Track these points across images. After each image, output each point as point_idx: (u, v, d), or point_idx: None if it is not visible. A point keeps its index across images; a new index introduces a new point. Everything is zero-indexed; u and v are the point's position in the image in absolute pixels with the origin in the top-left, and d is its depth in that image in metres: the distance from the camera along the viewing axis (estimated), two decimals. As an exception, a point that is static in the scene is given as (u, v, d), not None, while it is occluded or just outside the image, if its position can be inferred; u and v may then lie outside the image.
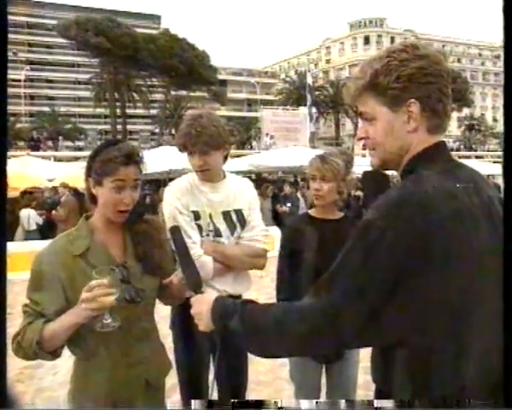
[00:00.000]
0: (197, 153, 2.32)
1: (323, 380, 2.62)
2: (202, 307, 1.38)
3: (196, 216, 2.38)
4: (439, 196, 1.09)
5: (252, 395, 3.78)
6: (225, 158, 2.48)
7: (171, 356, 2.48)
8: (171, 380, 2.46)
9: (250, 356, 2.40)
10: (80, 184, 8.53)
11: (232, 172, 2.62)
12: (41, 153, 24.98)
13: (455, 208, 1.09)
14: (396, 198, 1.12)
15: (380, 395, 1.21)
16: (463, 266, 1.08)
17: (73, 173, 13.15)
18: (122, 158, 1.77)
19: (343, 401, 1.21)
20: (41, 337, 1.64)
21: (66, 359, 1.87)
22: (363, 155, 11.11)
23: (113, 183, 1.76)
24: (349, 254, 1.13)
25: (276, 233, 8.23)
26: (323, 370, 2.59)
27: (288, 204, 12.30)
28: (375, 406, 1.16)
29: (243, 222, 2.47)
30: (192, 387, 2.46)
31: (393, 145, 1.24)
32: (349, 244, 1.14)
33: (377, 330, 1.09)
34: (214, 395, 2.43)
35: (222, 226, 2.42)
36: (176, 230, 1.70)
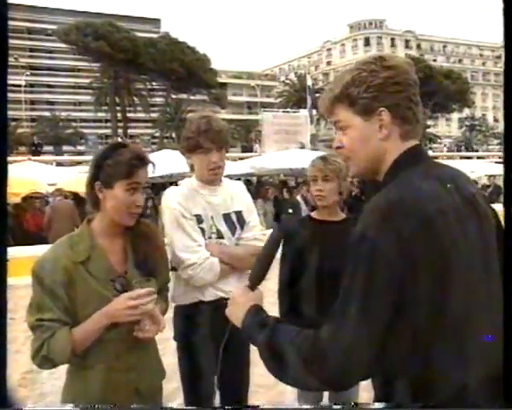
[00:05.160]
0: (214, 149, 2.35)
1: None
2: (240, 306, 1.36)
3: (199, 220, 2.39)
4: (422, 198, 1.10)
5: (254, 398, 3.78)
6: None
7: (174, 360, 2.48)
8: (173, 385, 2.45)
9: (251, 358, 2.39)
10: (81, 189, 8.45)
11: (234, 175, 2.64)
12: (42, 157, 24.99)
13: (438, 209, 1.10)
14: (379, 205, 1.13)
15: (379, 398, 1.21)
16: (454, 264, 1.09)
17: (74, 178, 13.15)
18: (138, 160, 1.79)
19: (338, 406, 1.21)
20: (73, 344, 1.69)
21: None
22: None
23: (128, 185, 1.76)
24: (351, 279, 1.11)
25: (277, 236, 8.22)
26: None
27: (290, 210, 12.27)
28: (372, 408, 1.16)
29: (243, 223, 2.50)
30: (196, 395, 2.45)
31: (368, 153, 1.27)
32: (349, 269, 1.12)
33: (388, 339, 1.07)
34: (216, 403, 2.43)
35: (223, 228, 2.44)
36: None
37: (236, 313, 1.36)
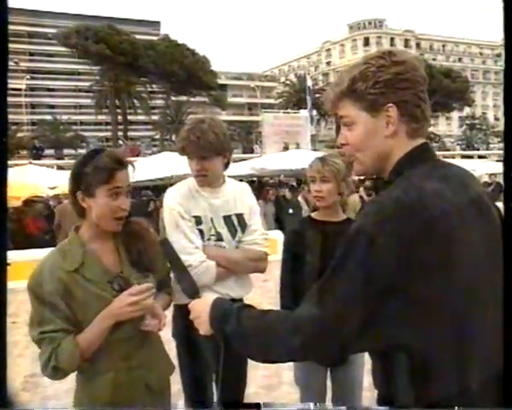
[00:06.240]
0: (195, 158, 2.34)
1: (329, 383, 2.60)
2: (200, 311, 1.40)
3: (198, 221, 2.38)
4: (427, 198, 1.09)
5: (257, 399, 3.77)
6: (226, 165, 2.48)
7: (175, 362, 2.48)
8: (178, 386, 2.45)
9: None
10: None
11: (234, 177, 2.62)
12: (43, 161, 25.00)
13: (443, 209, 1.09)
14: (383, 204, 1.12)
15: (381, 400, 1.20)
16: (457, 265, 1.08)
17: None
18: (115, 164, 1.76)
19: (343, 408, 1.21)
20: (81, 350, 1.70)
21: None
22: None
23: (110, 191, 1.75)
24: (340, 263, 1.12)
25: (279, 237, 8.22)
26: (328, 373, 2.58)
27: (290, 210, 12.25)
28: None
29: (244, 226, 2.47)
30: (196, 393, 2.46)
31: (373, 150, 1.25)
32: (339, 253, 1.13)
33: (373, 337, 1.08)
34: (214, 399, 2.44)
35: (223, 230, 2.42)
36: (165, 242, 1.83)
37: (202, 321, 1.38)
